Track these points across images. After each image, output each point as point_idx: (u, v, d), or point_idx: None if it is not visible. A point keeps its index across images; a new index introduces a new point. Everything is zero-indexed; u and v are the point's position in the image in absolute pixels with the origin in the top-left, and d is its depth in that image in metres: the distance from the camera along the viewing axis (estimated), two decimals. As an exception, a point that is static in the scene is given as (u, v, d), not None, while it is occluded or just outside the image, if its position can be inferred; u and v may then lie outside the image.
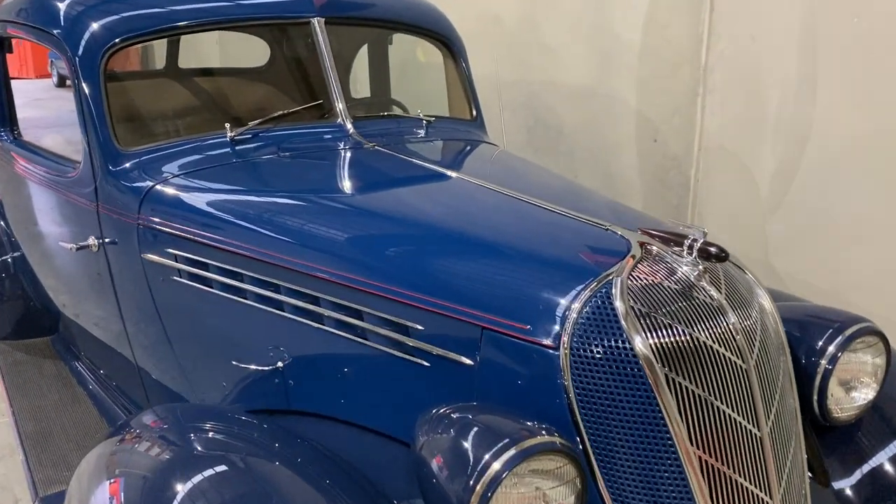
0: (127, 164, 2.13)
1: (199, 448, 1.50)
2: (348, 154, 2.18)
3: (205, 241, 1.88)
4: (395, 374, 1.56)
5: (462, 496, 1.12)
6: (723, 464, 1.26)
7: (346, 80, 2.37)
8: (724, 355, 1.28)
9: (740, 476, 1.27)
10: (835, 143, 2.84)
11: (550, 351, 1.29)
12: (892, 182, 2.69)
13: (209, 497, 1.32)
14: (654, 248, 1.39)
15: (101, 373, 2.80)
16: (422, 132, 2.45)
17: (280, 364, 1.77)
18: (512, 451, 1.13)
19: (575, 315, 1.28)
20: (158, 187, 2.05)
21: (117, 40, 2.17)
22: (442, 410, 1.30)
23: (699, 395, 1.26)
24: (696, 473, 1.24)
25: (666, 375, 1.24)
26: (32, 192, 2.70)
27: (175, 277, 1.98)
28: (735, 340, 1.30)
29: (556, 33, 3.85)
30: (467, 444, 1.17)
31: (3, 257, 3.34)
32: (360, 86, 3.26)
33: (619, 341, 1.26)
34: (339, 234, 1.70)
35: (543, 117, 3.98)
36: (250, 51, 3.31)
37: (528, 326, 1.32)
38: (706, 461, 1.25)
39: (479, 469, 1.12)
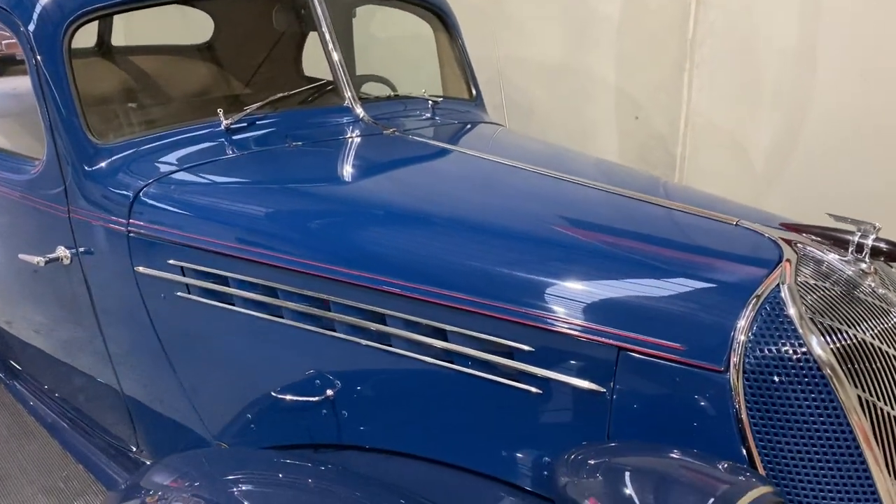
0: (105, 161, 1.80)
1: (246, 499, 1.27)
2: (371, 142, 1.92)
3: (222, 250, 1.58)
4: (491, 403, 1.33)
5: None
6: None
7: (349, 56, 2.09)
8: None
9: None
10: (835, 119, 2.76)
11: (716, 374, 1.10)
12: (893, 156, 2.64)
13: None
14: (807, 246, 1.22)
15: (60, 401, 2.44)
16: (428, 113, 2.21)
17: (330, 393, 1.50)
18: None
19: (744, 325, 1.10)
20: (152, 187, 1.72)
21: (81, 12, 1.82)
22: (599, 451, 1.10)
23: (885, 411, 1.10)
24: (891, 498, 1.08)
25: (859, 396, 1.07)
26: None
27: (181, 294, 1.67)
28: None
29: (524, 5, 3.64)
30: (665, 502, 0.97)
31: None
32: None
33: (799, 351, 1.08)
34: (410, 240, 1.44)
35: (512, 96, 3.77)
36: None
37: (684, 346, 1.12)
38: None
39: None
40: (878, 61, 2.63)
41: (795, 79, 2.85)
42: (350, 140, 1.94)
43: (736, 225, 1.31)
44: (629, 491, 1.02)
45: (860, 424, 1.09)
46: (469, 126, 2.23)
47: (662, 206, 1.43)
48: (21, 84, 2.90)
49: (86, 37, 2.27)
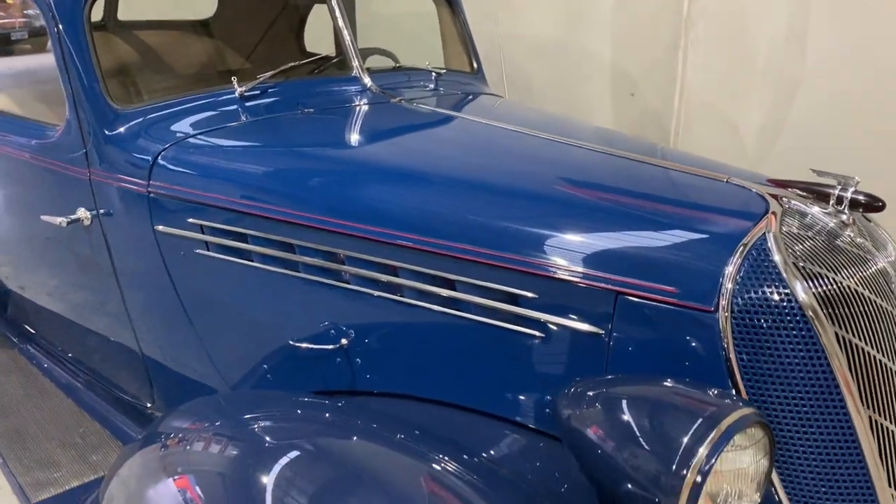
0: (125, 126, 1.88)
1: (268, 433, 1.34)
2: (379, 109, 2.00)
3: (241, 208, 1.67)
4: (497, 348, 1.42)
5: (670, 483, 1.01)
6: (889, 420, 1.21)
7: (353, 31, 2.16)
8: (879, 304, 1.23)
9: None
10: (825, 97, 2.85)
11: (707, 314, 1.19)
12: (882, 136, 2.73)
13: (298, 483, 1.20)
14: (792, 200, 1.32)
15: (75, 362, 2.52)
16: (432, 85, 2.30)
17: (344, 341, 1.60)
18: (714, 433, 1.02)
19: (731, 271, 1.19)
20: (171, 150, 1.81)
21: None
22: (597, 383, 1.19)
23: (861, 348, 1.20)
24: (866, 432, 1.18)
25: (836, 333, 1.17)
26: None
27: (200, 251, 1.76)
28: (890, 288, 1.25)
29: (521, -17, 3.71)
30: (662, 426, 1.06)
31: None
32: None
33: (783, 295, 1.17)
34: (420, 197, 1.53)
35: (510, 73, 3.84)
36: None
37: (677, 290, 1.22)
38: (876, 421, 1.19)
39: (683, 455, 1.01)
40: (867, 41, 2.72)
41: (786, 58, 2.94)
42: (359, 108, 2.02)
43: (727, 182, 1.40)
44: (627, 417, 1.11)
45: (841, 369, 1.18)
46: (471, 97, 2.32)
47: (658, 166, 1.53)
48: (33, 61, 2.99)
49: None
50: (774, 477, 1.20)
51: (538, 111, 2.27)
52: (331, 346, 1.61)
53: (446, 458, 1.21)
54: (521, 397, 1.41)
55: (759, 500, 1.08)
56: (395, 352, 1.57)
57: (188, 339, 1.89)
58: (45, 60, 2.03)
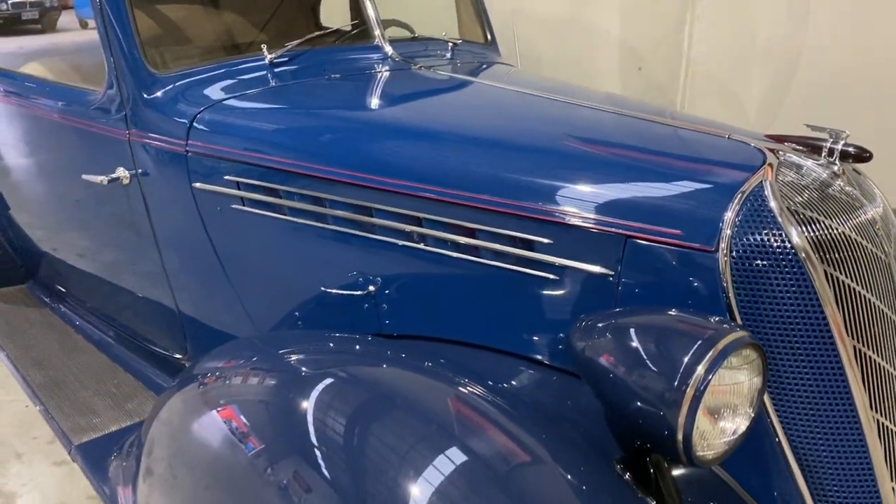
0: (162, 90, 2.00)
1: (304, 364, 1.45)
2: (401, 75, 2.12)
3: (275, 165, 1.79)
4: (514, 291, 1.54)
5: (673, 398, 1.14)
6: (872, 351, 1.33)
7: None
8: (868, 248, 1.34)
9: (887, 363, 1.35)
10: (824, 71, 2.97)
11: (708, 254, 1.31)
12: (881, 110, 2.84)
13: (337, 405, 1.30)
14: (788, 153, 1.43)
15: (107, 319, 2.65)
16: (448, 54, 2.41)
17: (371, 288, 1.73)
18: (711, 353, 1.15)
19: (731, 216, 1.31)
20: (207, 112, 1.93)
21: None
22: (606, 316, 1.31)
23: (851, 287, 1.31)
24: (851, 360, 1.30)
25: (825, 271, 1.29)
26: (24, 124, 2.49)
27: (236, 206, 1.89)
28: (877, 234, 1.36)
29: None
30: (666, 349, 1.19)
31: (-34, 202, 3.08)
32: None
33: (778, 238, 1.28)
34: (442, 152, 1.65)
35: (520, 48, 3.95)
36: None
37: (681, 232, 1.34)
38: (860, 350, 1.32)
39: (684, 373, 1.14)
40: (866, 18, 2.82)
41: (787, 33, 3.05)
42: (381, 74, 2.14)
43: (728, 138, 1.52)
44: (634, 343, 1.24)
45: (830, 304, 1.29)
46: (485, 65, 2.44)
47: (664, 124, 1.65)
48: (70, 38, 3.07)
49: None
50: (767, 401, 1.32)
51: (550, 78, 2.39)
52: (359, 293, 1.74)
53: (472, 383, 1.34)
54: (537, 336, 1.54)
55: (752, 415, 1.20)
56: (419, 297, 1.69)
57: (223, 291, 2.02)
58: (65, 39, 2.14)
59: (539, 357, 1.53)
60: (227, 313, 2.06)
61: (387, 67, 2.17)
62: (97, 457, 2.07)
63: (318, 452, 1.22)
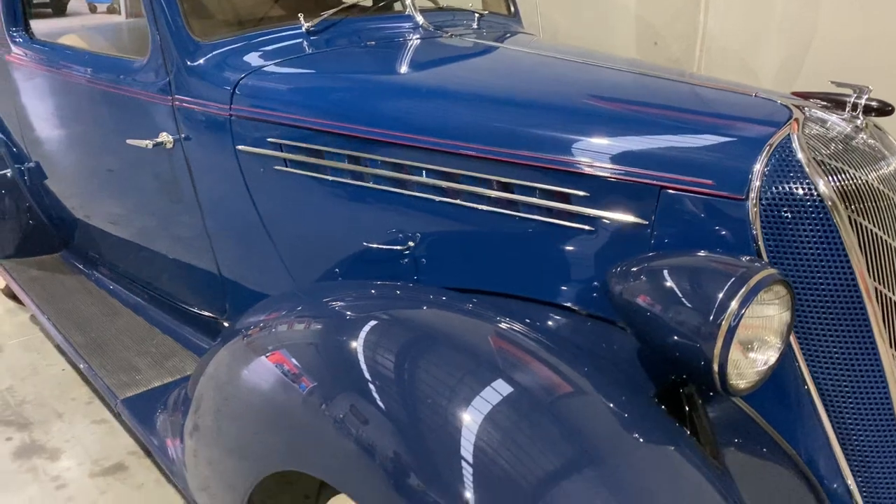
0: (205, 57, 2.08)
1: (348, 309, 1.51)
2: (433, 42, 2.20)
3: (317, 126, 1.87)
4: (551, 243, 1.63)
5: (709, 331, 1.22)
6: (889, 291, 1.41)
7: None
8: (891, 197, 1.42)
9: (909, 306, 1.43)
10: (839, 46, 3.02)
11: (739, 202, 1.39)
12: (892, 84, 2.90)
13: (387, 342, 1.37)
14: (813, 109, 1.51)
15: (143, 283, 2.75)
16: (475, 24, 2.49)
17: (410, 243, 1.81)
18: (744, 289, 1.23)
19: (760, 168, 1.39)
20: (249, 78, 2.01)
21: None
22: (641, 260, 1.40)
23: (875, 234, 1.40)
24: (872, 302, 1.39)
25: (849, 216, 1.37)
26: (64, 93, 2.57)
27: (278, 167, 1.97)
28: None
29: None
30: (700, 287, 1.27)
31: (3, 171, 3.17)
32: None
33: (805, 187, 1.36)
34: (480, 111, 1.72)
35: (536, 22, 4.02)
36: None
37: (713, 182, 1.42)
38: (881, 291, 1.40)
39: (719, 308, 1.22)
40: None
41: (802, 7, 3.10)
42: (414, 41, 2.22)
43: (754, 96, 1.60)
44: (671, 283, 1.32)
45: (853, 248, 1.37)
46: (509, 34, 2.52)
47: (692, 84, 1.73)
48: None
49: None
50: (793, 341, 1.41)
51: (575, 46, 2.46)
52: (398, 247, 1.82)
53: (512, 322, 1.42)
54: (572, 285, 1.62)
55: (781, 348, 1.29)
56: (456, 251, 1.77)
57: (264, 249, 2.11)
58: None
59: (574, 306, 1.62)
60: (268, 272, 2.15)
61: (417, 36, 2.25)
62: (142, 410, 2.17)
63: (372, 387, 1.29)
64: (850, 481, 1.44)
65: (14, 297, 3.60)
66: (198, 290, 2.44)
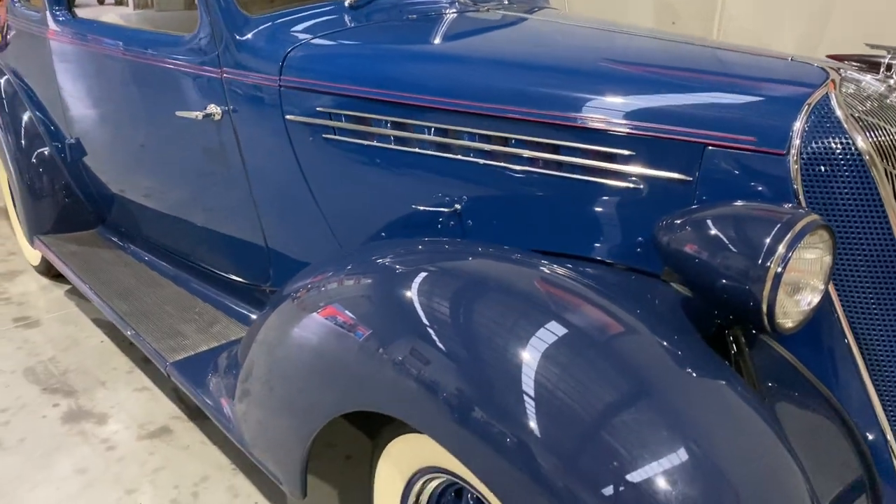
0: (253, 31, 2.17)
1: (397, 263, 1.57)
2: (470, 15, 2.28)
3: (366, 95, 1.95)
4: (595, 201, 1.71)
5: (758, 274, 1.31)
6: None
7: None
8: None
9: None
10: (854, 23, 3.11)
11: (780, 157, 1.48)
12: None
13: (440, 289, 1.44)
14: (849, 70, 1.60)
15: (180, 255, 2.83)
16: (506, 0, 2.57)
17: (457, 206, 1.90)
18: (790, 234, 1.32)
19: (800, 125, 1.47)
20: (298, 50, 2.09)
21: None
22: (687, 212, 1.48)
23: None
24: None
25: (885, 170, 1.46)
26: (113, 68, 2.65)
27: (327, 136, 2.06)
28: None
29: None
30: (747, 233, 1.36)
31: (42, 149, 3.26)
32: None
33: (843, 143, 1.45)
34: (524, 76, 1.79)
35: (555, 2, 4.09)
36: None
37: (755, 139, 1.50)
38: (915, 241, 1.49)
39: (767, 252, 1.31)
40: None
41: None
42: (453, 14, 2.30)
43: (791, 60, 1.68)
44: (718, 231, 1.41)
45: (888, 197, 1.46)
46: (538, 8, 2.60)
47: (732, 51, 1.81)
48: None
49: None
50: (832, 290, 1.50)
51: (605, 19, 2.54)
52: (446, 210, 1.90)
53: (562, 268, 1.50)
54: (618, 242, 1.71)
55: (823, 289, 1.38)
56: (503, 211, 1.85)
57: (311, 217, 2.19)
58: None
59: (617, 261, 1.70)
60: (314, 239, 2.23)
61: (454, 10, 2.33)
62: (192, 373, 2.25)
63: (430, 331, 1.36)
64: (889, 434, 1.52)
65: (46, 274, 3.69)
66: (242, 258, 2.53)
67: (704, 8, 3.54)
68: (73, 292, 3.57)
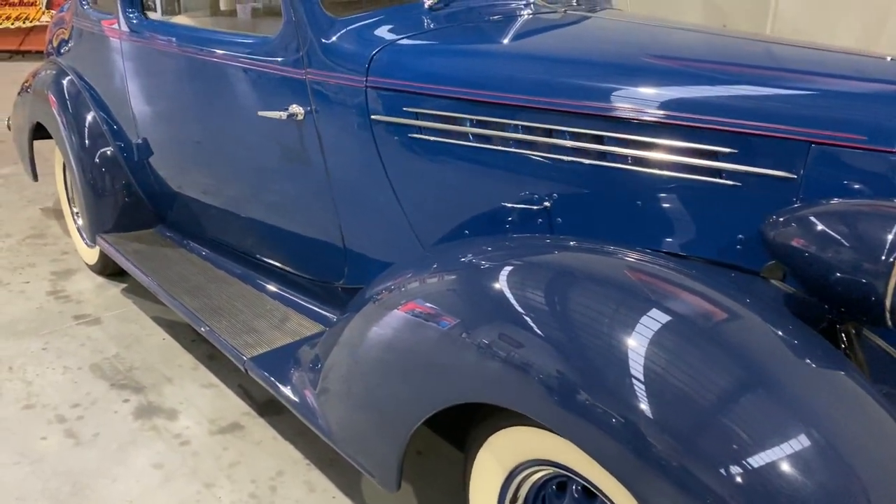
0: (337, 34, 2.20)
1: (482, 259, 1.62)
2: (547, 17, 2.31)
3: (452, 94, 1.98)
4: (695, 199, 1.73)
5: (879, 269, 1.33)
6: None
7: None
8: None
9: None
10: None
11: (891, 154, 1.50)
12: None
13: (528, 281, 1.49)
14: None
15: (244, 254, 2.85)
16: (575, 1, 2.60)
17: (546, 204, 1.92)
18: None
19: None
20: (384, 52, 2.12)
21: None
22: (797, 209, 1.51)
23: None
24: None
25: None
26: (189, 69, 2.69)
27: (413, 135, 2.09)
28: None
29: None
30: (867, 228, 1.38)
31: (105, 149, 3.30)
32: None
33: None
34: (624, 76, 1.81)
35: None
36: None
37: (865, 136, 1.52)
38: None
39: (890, 248, 1.33)
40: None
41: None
42: (531, 16, 2.34)
43: (889, 60, 1.70)
44: (821, 227, 1.44)
45: None
46: (601, 9, 2.63)
47: (826, 51, 1.83)
48: None
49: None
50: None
51: (688, 21, 2.58)
52: (534, 208, 1.93)
53: (656, 259, 1.53)
54: (718, 239, 1.72)
55: None
56: (596, 210, 1.87)
57: (393, 217, 2.22)
58: None
59: (720, 258, 1.72)
60: (396, 239, 2.26)
61: (530, 11, 2.36)
62: (271, 368, 2.27)
63: (526, 318, 1.42)
64: None
65: (102, 273, 3.74)
66: (316, 256, 2.55)
67: (756, 9, 3.56)
68: (130, 290, 3.61)
